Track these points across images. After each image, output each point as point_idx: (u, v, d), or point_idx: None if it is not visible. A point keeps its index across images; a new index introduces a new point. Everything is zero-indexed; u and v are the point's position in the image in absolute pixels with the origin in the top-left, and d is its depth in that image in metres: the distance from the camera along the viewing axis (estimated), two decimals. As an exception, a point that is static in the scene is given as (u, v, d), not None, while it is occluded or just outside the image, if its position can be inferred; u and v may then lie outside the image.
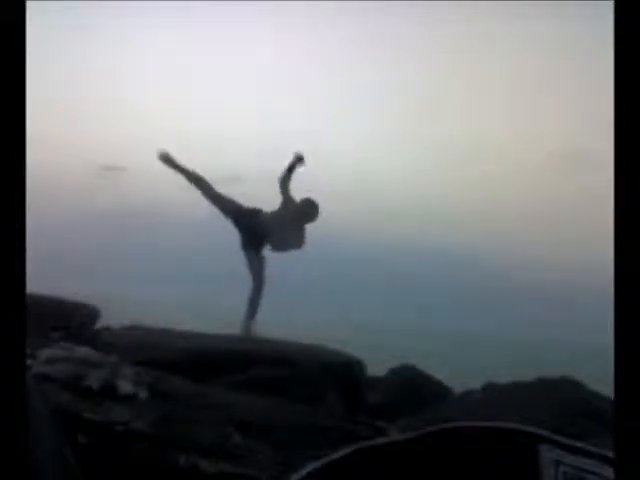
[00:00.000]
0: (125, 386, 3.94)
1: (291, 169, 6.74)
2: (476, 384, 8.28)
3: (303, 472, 1.39)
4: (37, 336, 4.62)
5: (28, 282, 1.76)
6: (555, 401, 6.46)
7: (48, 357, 4.14)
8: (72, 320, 6.86)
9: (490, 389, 7.74)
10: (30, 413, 2.21)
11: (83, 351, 4.54)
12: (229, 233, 6.98)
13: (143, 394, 3.93)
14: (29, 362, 3.84)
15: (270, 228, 6.74)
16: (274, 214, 6.86)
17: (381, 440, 1.51)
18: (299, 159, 6.72)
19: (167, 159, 6.91)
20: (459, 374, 13.70)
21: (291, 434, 3.93)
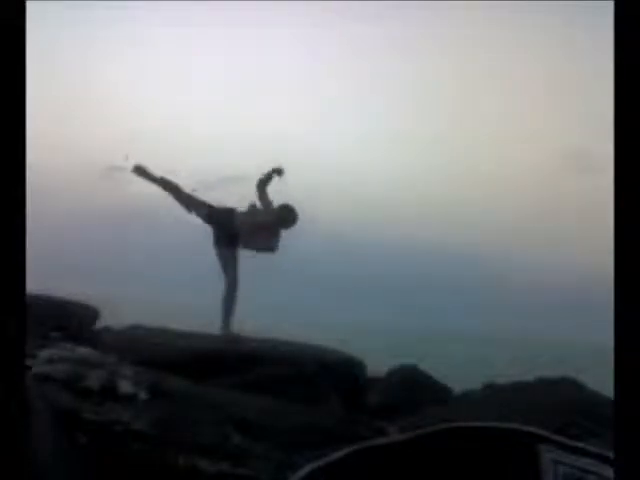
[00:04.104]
0: (125, 386, 3.94)
1: (268, 178, 6.92)
2: (476, 384, 8.29)
3: (303, 472, 1.39)
4: (37, 336, 4.62)
5: (28, 282, 1.76)
6: (555, 401, 6.46)
7: (48, 357, 4.14)
8: (72, 320, 6.85)
9: (490, 389, 7.75)
10: (30, 413, 2.21)
11: (83, 351, 4.54)
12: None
13: (143, 394, 3.93)
14: (29, 362, 3.84)
15: (242, 226, 6.80)
16: (247, 213, 6.92)
17: (381, 440, 1.51)
18: (277, 172, 6.92)
19: (141, 171, 7.01)
20: (459, 374, 13.70)
21: (291, 434, 3.93)
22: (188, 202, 6.98)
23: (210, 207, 6.97)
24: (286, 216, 6.87)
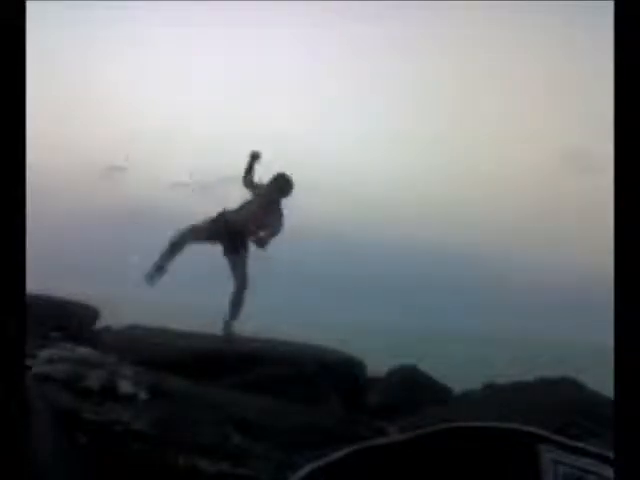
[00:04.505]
0: (125, 386, 3.94)
1: (250, 167, 6.91)
2: (476, 384, 8.29)
3: (303, 472, 1.39)
4: (37, 336, 4.62)
5: (28, 282, 1.76)
6: (555, 401, 6.46)
7: (48, 357, 4.13)
8: (72, 320, 6.85)
9: (490, 389, 7.75)
10: (30, 413, 2.21)
11: (83, 351, 4.54)
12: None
13: (143, 394, 3.93)
14: (29, 362, 3.84)
15: (240, 222, 6.75)
16: (240, 208, 6.89)
17: (381, 440, 1.50)
18: (255, 156, 6.91)
19: (154, 277, 6.83)
20: (459, 374, 13.70)
21: (291, 434, 3.93)
22: (192, 238, 6.86)
23: (202, 225, 6.88)
24: (282, 184, 6.84)
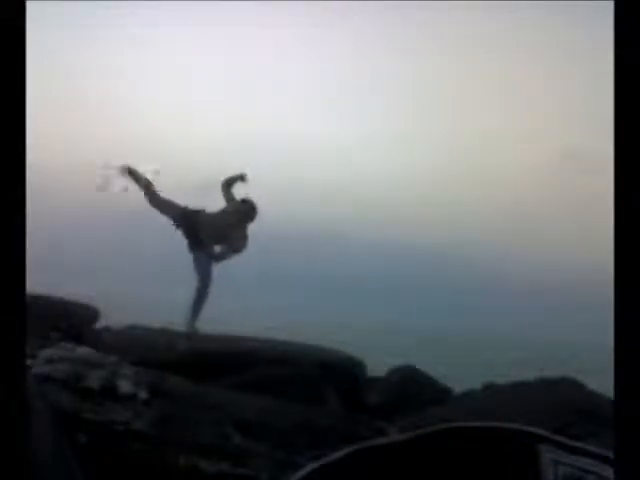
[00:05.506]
0: (125, 386, 3.94)
1: (232, 181, 6.97)
2: (476, 384, 8.29)
3: (303, 472, 1.39)
4: (37, 336, 4.62)
5: (28, 282, 1.76)
6: (555, 401, 6.46)
7: (48, 357, 4.13)
8: (72, 320, 6.86)
9: (490, 389, 7.75)
10: (30, 413, 2.21)
11: (83, 351, 4.54)
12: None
13: (143, 394, 3.93)
14: (29, 362, 3.84)
15: (209, 227, 6.81)
16: (214, 214, 6.95)
17: (381, 440, 1.50)
18: (241, 178, 6.98)
19: (130, 171, 7.00)
20: (459, 374, 13.70)
21: (291, 434, 3.93)
22: (161, 205, 6.96)
23: (181, 209, 6.96)
24: (247, 210, 6.89)
